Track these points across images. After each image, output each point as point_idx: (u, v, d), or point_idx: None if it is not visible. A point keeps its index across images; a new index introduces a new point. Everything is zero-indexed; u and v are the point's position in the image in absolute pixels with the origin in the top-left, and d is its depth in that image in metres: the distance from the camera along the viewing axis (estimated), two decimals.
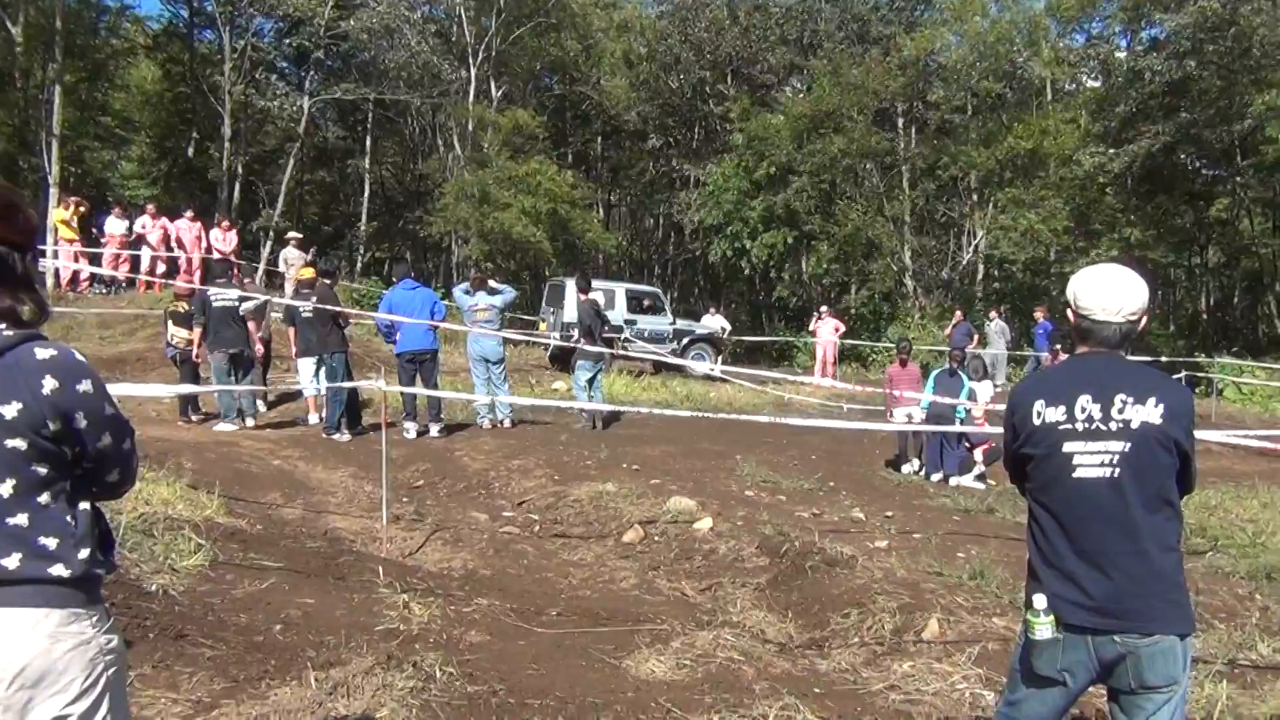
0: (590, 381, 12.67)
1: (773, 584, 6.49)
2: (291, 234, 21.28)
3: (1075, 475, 2.69)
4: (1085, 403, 2.70)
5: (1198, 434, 2.75)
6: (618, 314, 19.82)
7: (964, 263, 30.03)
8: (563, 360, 18.13)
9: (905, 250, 29.24)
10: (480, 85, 30.82)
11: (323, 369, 11.44)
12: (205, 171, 31.73)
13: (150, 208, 20.29)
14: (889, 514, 8.51)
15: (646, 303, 21.67)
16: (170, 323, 11.64)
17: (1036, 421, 2.77)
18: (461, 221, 27.80)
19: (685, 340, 21.05)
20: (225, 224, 20.67)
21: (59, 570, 2.04)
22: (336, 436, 11.06)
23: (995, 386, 19.67)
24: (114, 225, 19.30)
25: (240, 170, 30.29)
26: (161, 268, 19.08)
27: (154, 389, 10.58)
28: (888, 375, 12.44)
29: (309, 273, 12.52)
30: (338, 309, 11.60)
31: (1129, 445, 2.64)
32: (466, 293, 12.45)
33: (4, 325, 2.03)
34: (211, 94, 29.58)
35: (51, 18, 23.72)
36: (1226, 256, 34.50)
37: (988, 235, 28.63)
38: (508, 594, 6.06)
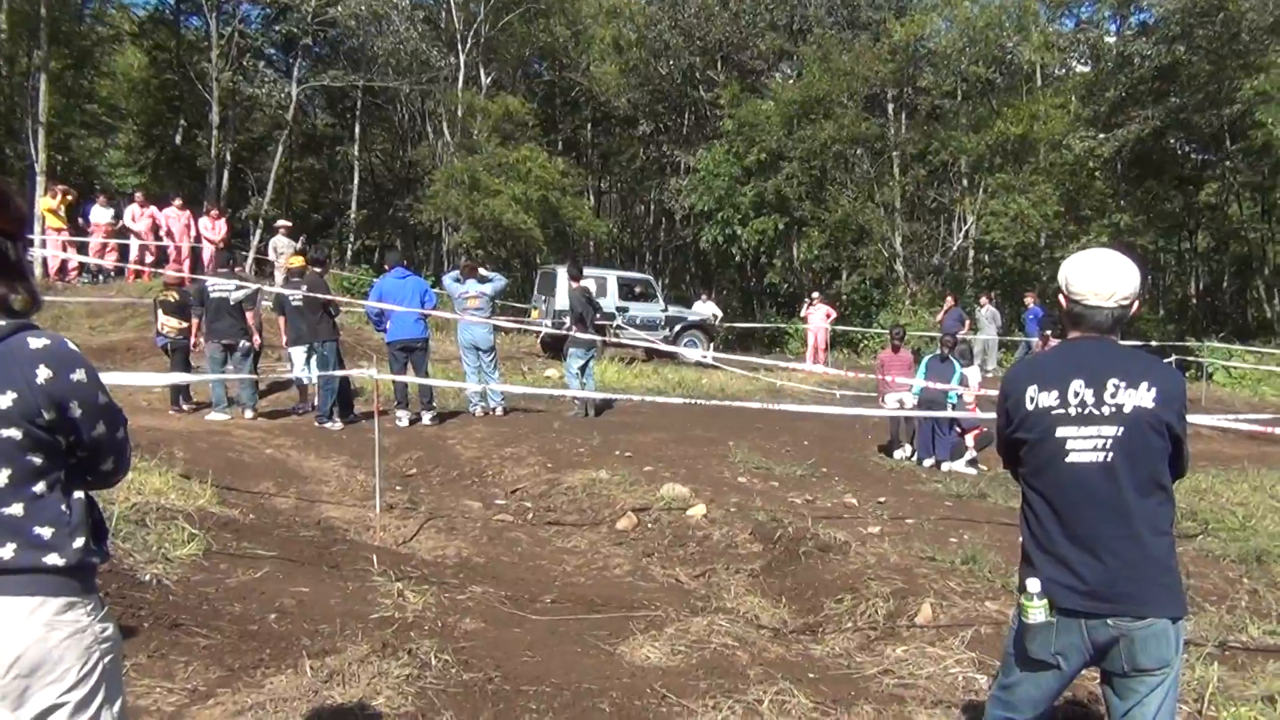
0: (582, 369, 12.66)
1: (766, 570, 6.52)
2: (281, 222, 21.20)
3: (1068, 460, 2.71)
4: (1078, 387, 2.71)
5: (1188, 418, 2.76)
6: (610, 301, 19.80)
7: (954, 248, 30.07)
8: (555, 348, 18.13)
9: (896, 236, 29.25)
10: (469, 72, 30.70)
11: (314, 357, 11.42)
12: (193, 159, 31.56)
13: (139, 196, 20.19)
14: (881, 500, 8.53)
15: (639, 290, 21.67)
16: (160, 312, 11.59)
17: (1029, 406, 2.78)
18: (452, 209, 27.72)
19: (678, 327, 21.07)
20: (214, 212, 20.55)
21: (54, 559, 2.04)
22: (328, 425, 11.05)
23: (986, 372, 19.79)
24: (99, 214, 19.20)
25: (229, 158, 30.11)
26: (150, 257, 19.00)
27: (145, 378, 10.55)
28: (880, 361, 12.47)
29: (299, 261, 12.48)
30: (328, 297, 11.57)
31: (1122, 429, 2.65)
32: (457, 281, 12.42)
33: None
34: (199, 81, 29.40)
35: (36, 4, 23.54)
36: (1216, 241, 34.60)
37: (978, 221, 28.66)
38: (502, 581, 6.07)
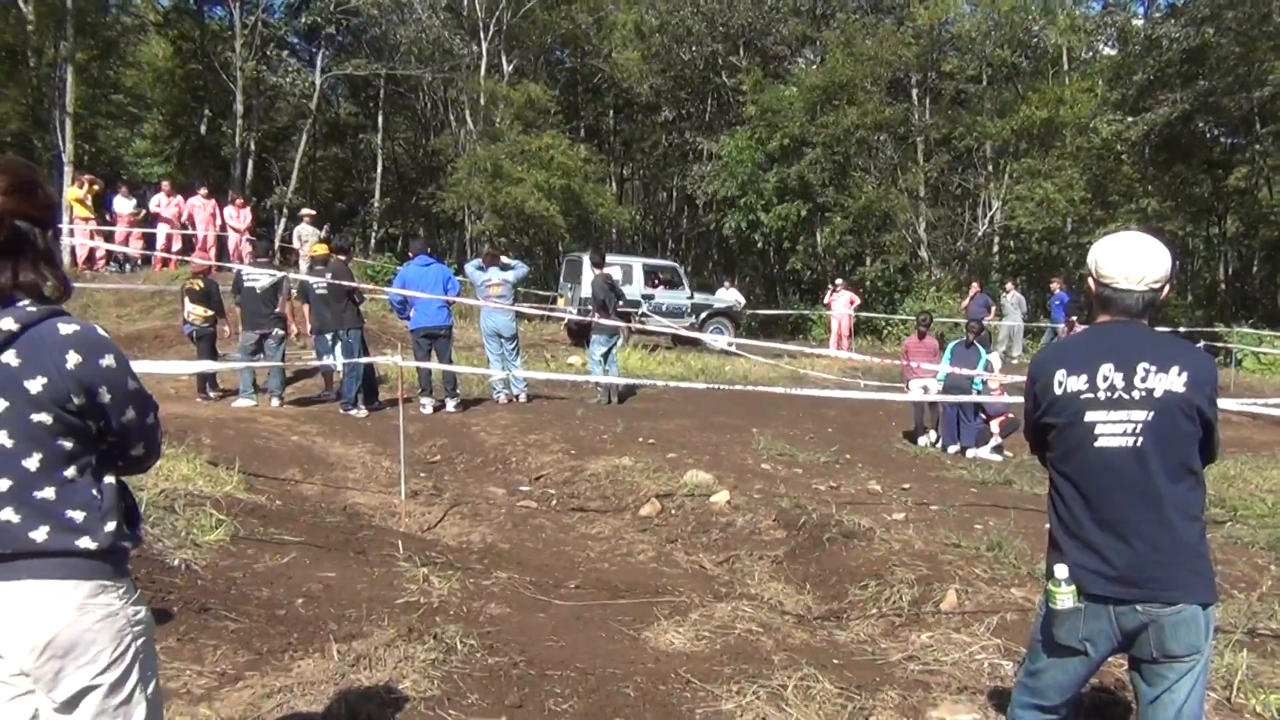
0: (605, 356, 12.67)
1: (790, 556, 6.51)
2: (305, 211, 21.29)
3: (1097, 445, 2.68)
4: (1107, 371, 2.68)
5: (1218, 403, 2.72)
6: (636, 288, 19.79)
7: (979, 234, 29.84)
8: (582, 335, 18.14)
9: (920, 222, 29.06)
10: (491, 59, 30.67)
11: (339, 345, 11.47)
12: (218, 149, 31.75)
13: (166, 185, 20.33)
14: (906, 486, 8.51)
15: (664, 277, 21.62)
16: (187, 300, 11.67)
17: (1058, 391, 2.75)
18: (474, 197, 27.74)
19: (703, 315, 21.02)
20: (239, 201, 20.70)
21: (86, 543, 2.07)
22: (353, 412, 11.10)
23: (1011, 358, 19.69)
24: (121, 205, 19.38)
25: (253, 147, 30.29)
26: (177, 245, 19.14)
27: (172, 366, 10.62)
28: (905, 347, 12.42)
29: (323, 249, 12.53)
30: (353, 284, 11.62)
31: (1152, 414, 2.62)
32: (479, 269, 12.44)
33: (28, 301, 2.05)
34: (223, 70, 29.56)
35: None
36: (1245, 226, 34.11)
37: (1003, 206, 28.42)
38: (526, 567, 6.09)
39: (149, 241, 19.32)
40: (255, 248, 12.77)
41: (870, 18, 30.09)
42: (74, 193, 18.76)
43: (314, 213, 21.41)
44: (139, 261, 19.15)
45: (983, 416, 10.99)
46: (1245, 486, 8.83)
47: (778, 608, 5.56)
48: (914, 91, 30.12)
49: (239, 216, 20.03)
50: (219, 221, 19.87)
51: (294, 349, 12.96)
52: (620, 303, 13.31)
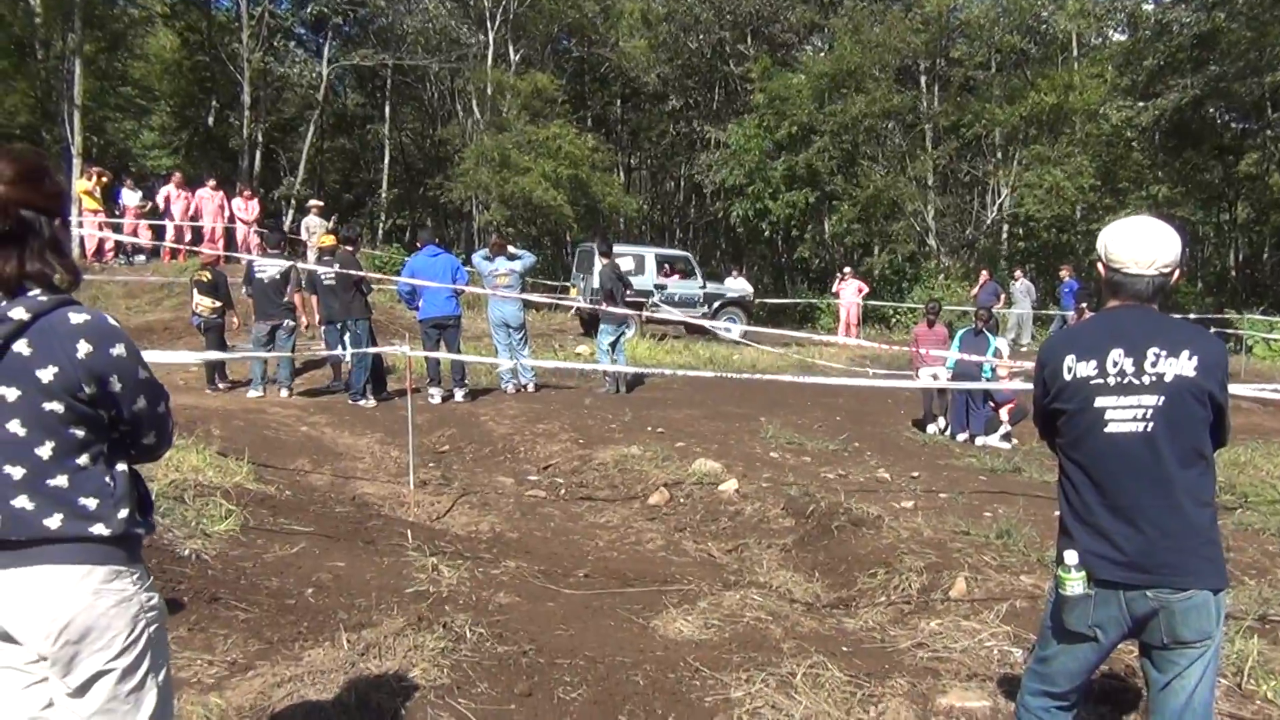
0: (613, 345, 12.67)
1: (799, 544, 6.51)
2: (313, 202, 21.31)
3: (1107, 430, 2.67)
4: (1117, 357, 2.66)
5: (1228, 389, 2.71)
6: (648, 279, 19.77)
7: (988, 222, 29.72)
8: (594, 324, 18.17)
9: (929, 210, 28.96)
10: (498, 49, 30.61)
11: (347, 335, 11.49)
12: (226, 140, 31.74)
13: (177, 177, 20.35)
14: (915, 474, 8.49)
15: (677, 267, 21.58)
16: (196, 291, 11.70)
17: (1067, 377, 2.74)
18: (482, 187, 27.72)
19: (716, 304, 20.99)
20: (247, 193, 20.70)
21: (100, 529, 2.08)
22: (362, 403, 11.12)
23: (1020, 346, 19.64)
24: (129, 197, 19.43)
25: (260, 138, 30.26)
26: (187, 236, 19.19)
27: (181, 356, 10.67)
28: (914, 335, 12.39)
29: (330, 240, 12.54)
30: (360, 274, 11.62)
31: (1163, 399, 2.61)
32: (486, 259, 12.44)
33: (38, 290, 2.05)
34: (230, 62, 29.52)
35: None
36: (1256, 212, 33.83)
37: (1012, 194, 28.29)
38: (535, 556, 6.10)
39: (158, 233, 19.36)
40: (265, 238, 12.77)
41: (878, 4, 29.88)
42: (83, 185, 18.79)
43: (322, 204, 21.43)
44: (148, 253, 19.19)
45: (991, 404, 10.96)
46: (1256, 473, 8.79)
47: (786, 596, 5.56)
48: (922, 79, 29.94)
49: (247, 208, 20.04)
50: (227, 213, 19.89)
51: (302, 340, 13.00)
52: (628, 292, 13.29)
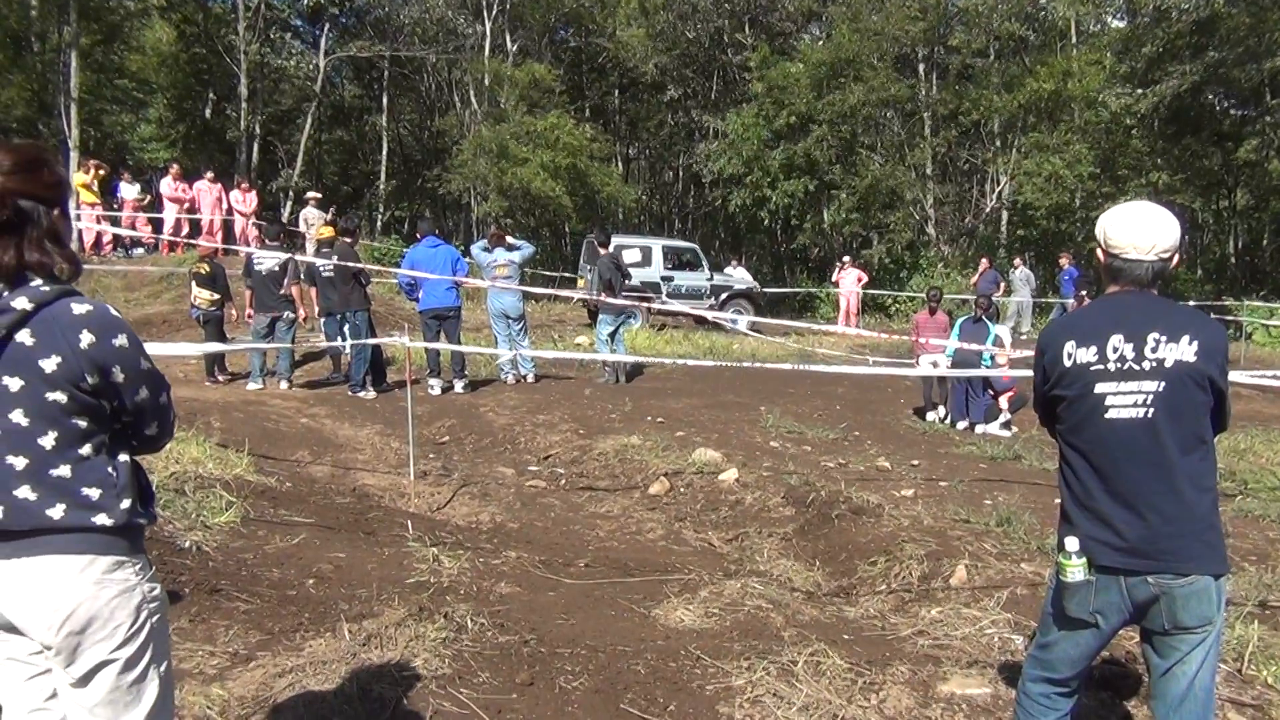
0: (612, 335, 12.67)
1: (799, 533, 6.52)
2: (311, 194, 21.26)
3: (1107, 416, 2.67)
4: (1117, 342, 2.66)
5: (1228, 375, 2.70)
6: (655, 270, 19.73)
7: (987, 210, 29.66)
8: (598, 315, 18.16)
9: (928, 198, 28.90)
10: (496, 40, 30.56)
11: (346, 327, 11.49)
12: (223, 132, 31.68)
13: (175, 168, 20.32)
14: (915, 463, 8.50)
15: (685, 258, 21.53)
16: (194, 284, 11.69)
17: (1067, 363, 2.74)
18: (480, 178, 27.69)
19: (723, 296, 20.96)
20: (244, 185, 20.68)
21: (102, 519, 2.09)
22: (362, 394, 11.13)
23: (1020, 334, 19.63)
24: (126, 190, 19.41)
25: (258, 130, 30.23)
26: (185, 229, 19.15)
27: (181, 348, 10.65)
28: (915, 323, 12.39)
29: (329, 231, 12.53)
30: (359, 265, 11.62)
31: (1163, 384, 2.60)
32: (485, 250, 12.43)
33: (40, 280, 2.05)
34: (227, 54, 29.46)
35: None
36: (1255, 199, 33.78)
37: (1011, 182, 28.23)
38: (536, 546, 6.11)
39: (156, 226, 19.33)
40: (264, 231, 12.75)
41: None
42: (80, 178, 18.75)
43: (320, 196, 21.38)
44: (146, 246, 19.16)
45: (991, 392, 10.97)
46: (1256, 460, 8.81)
47: (787, 584, 5.56)
48: (921, 67, 29.83)
49: (245, 200, 20.01)
50: (225, 206, 19.86)
51: (302, 332, 13.00)
52: (626, 282, 13.28)
